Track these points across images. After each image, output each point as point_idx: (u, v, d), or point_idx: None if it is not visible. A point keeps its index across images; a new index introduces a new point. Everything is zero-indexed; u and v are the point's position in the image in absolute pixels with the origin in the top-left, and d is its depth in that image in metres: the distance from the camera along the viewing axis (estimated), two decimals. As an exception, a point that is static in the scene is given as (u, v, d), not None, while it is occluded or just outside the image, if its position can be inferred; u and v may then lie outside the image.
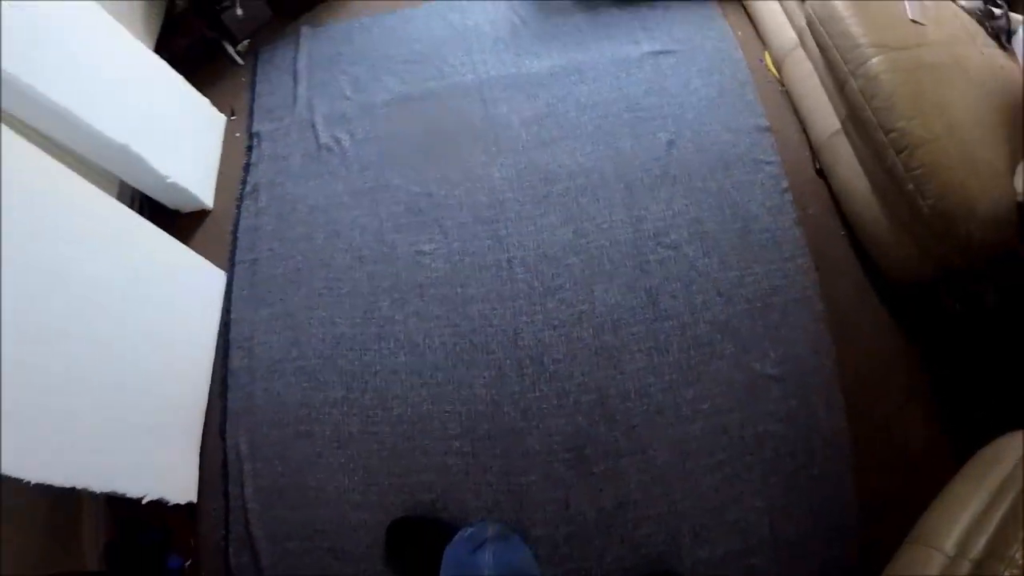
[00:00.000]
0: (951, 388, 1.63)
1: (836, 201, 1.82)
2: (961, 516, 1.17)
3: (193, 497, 1.61)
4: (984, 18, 1.74)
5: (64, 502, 1.58)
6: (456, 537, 1.20)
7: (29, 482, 1.13)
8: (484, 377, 1.66)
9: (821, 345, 1.64)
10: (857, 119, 1.61)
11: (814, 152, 1.89)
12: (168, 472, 1.56)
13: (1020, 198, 1.43)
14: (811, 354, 1.63)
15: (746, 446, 1.55)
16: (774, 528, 1.48)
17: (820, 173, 1.87)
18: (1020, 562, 1.00)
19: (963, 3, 1.75)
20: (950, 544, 1.14)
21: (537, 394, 1.62)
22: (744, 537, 1.47)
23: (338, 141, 2.02)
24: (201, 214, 1.98)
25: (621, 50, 2.12)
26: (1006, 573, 1.00)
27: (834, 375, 1.62)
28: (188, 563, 1.58)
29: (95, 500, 1.65)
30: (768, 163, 1.87)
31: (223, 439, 1.69)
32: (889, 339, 1.69)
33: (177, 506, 1.55)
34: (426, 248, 1.83)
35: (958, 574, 1.08)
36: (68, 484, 1.21)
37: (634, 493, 1.52)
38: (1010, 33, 1.75)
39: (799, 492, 1.51)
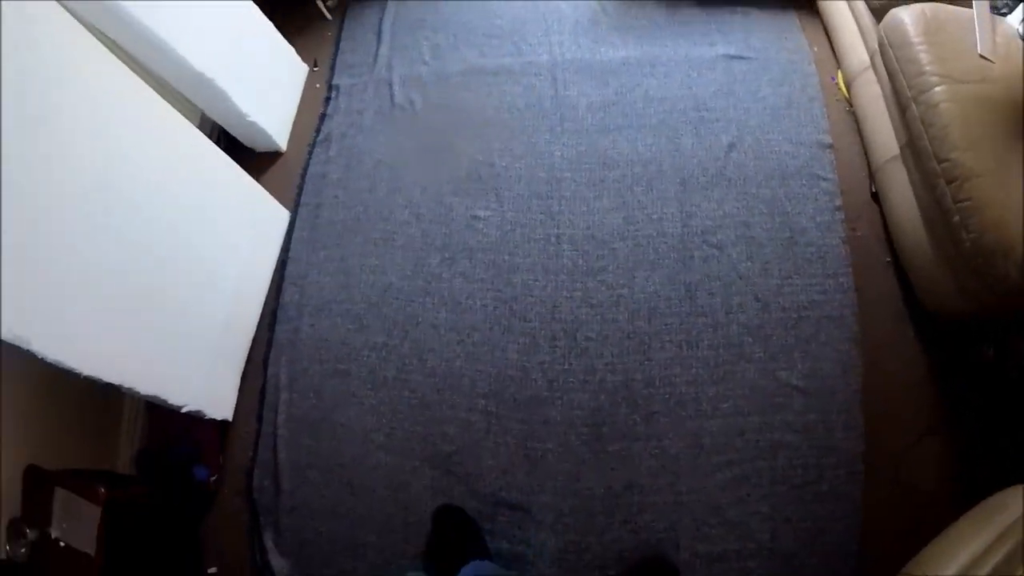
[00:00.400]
0: (970, 431, 1.58)
1: (886, 226, 1.78)
2: (960, 555, 1.15)
3: (229, 415, 1.69)
4: None
5: (106, 405, 1.69)
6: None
7: (80, 374, 1.19)
8: (518, 343, 1.69)
9: (849, 365, 1.62)
10: (914, 146, 1.58)
11: (871, 175, 1.85)
12: (210, 388, 1.63)
13: None
14: (838, 373, 1.61)
15: (760, 451, 1.54)
16: (775, 536, 1.47)
17: (875, 196, 1.83)
18: None
19: None
20: None
21: (566, 367, 1.65)
22: (744, 540, 1.47)
23: (411, 102, 2.07)
24: (273, 155, 2.05)
25: (695, 50, 2.10)
26: None
27: (858, 397, 1.59)
28: (214, 478, 1.66)
29: (135, 408, 1.76)
30: (825, 179, 1.84)
31: (265, 367, 1.76)
32: (917, 371, 1.65)
33: (211, 422, 1.63)
34: (481, 214, 1.86)
35: None
36: (116, 382, 1.29)
37: (643, 478, 1.54)
38: None
39: (805, 505, 1.50)
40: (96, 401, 1.62)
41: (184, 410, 1.50)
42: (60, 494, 1.39)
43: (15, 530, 1.36)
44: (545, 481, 1.54)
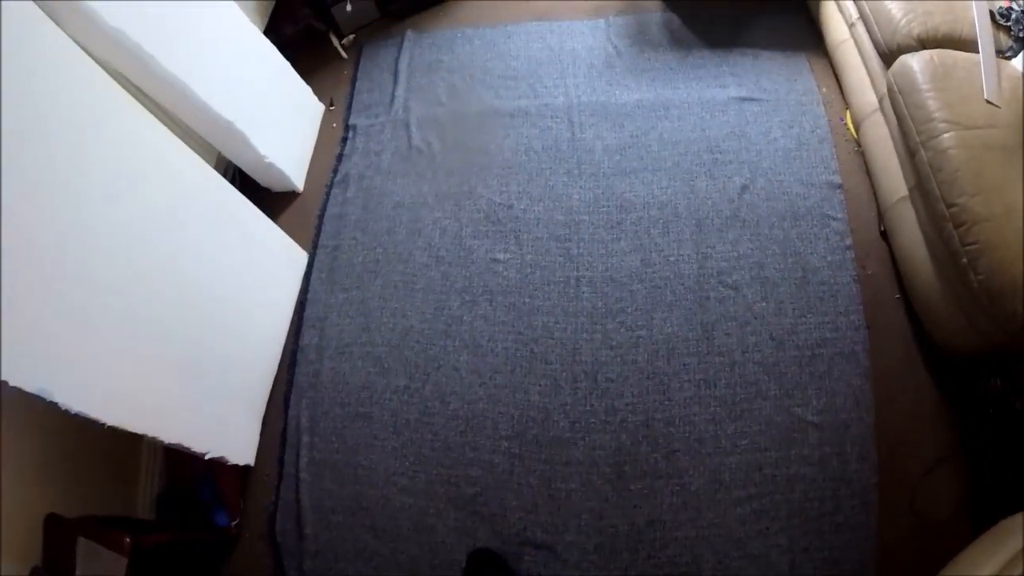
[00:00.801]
0: (981, 460, 1.76)
1: (895, 264, 1.98)
2: None
3: (251, 460, 1.83)
4: None
5: (125, 452, 1.82)
6: None
7: (104, 424, 1.30)
8: (540, 385, 1.86)
9: (862, 400, 1.80)
10: (923, 189, 1.76)
11: (880, 214, 2.05)
12: (231, 433, 1.77)
13: None
14: (852, 407, 1.79)
15: (777, 485, 1.71)
16: (794, 567, 1.63)
17: (884, 235, 2.03)
18: None
19: None
20: None
21: (587, 408, 1.82)
22: (764, 571, 1.64)
23: (429, 144, 2.26)
24: (290, 196, 2.23)
25: (708, 92, 2.32)
26: None
27: (870, 430, 1.77)
28: (235, 522, 1.79)
29: (154, 453, 1.89)
30: (835, 219, 2.05)
31: (286, 410, 1.92)
32: (929, 404, 1.83)
33: (231, 467, 1.76)
34: (500, 256, 2.05)
35: None
36: (140, 431, 1.40)
37: (665, 514, 1.70)
38: None
39: (822, 537, 1.66)
40: (114, 447, 1.74)
41: (207, 456, 1.64)
42: (83, 543, 1.48)
43: (37, 580, 1.44)
44: (569, 520, 1.71)
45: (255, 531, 1.81)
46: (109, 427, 1.32)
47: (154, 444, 1.81)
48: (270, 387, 1.93)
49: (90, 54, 1.35)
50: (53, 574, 1.45)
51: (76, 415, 1.25)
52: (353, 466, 1.82)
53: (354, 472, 1.81)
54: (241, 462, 1.77)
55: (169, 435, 1.49)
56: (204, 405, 1.65)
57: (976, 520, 1.57)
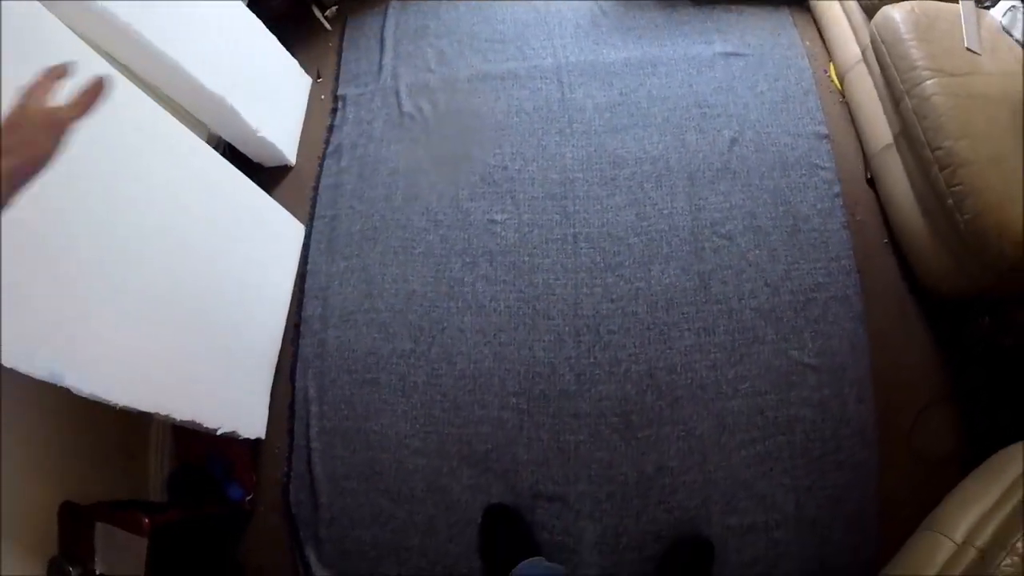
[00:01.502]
0: (976, 396, 1.84)
1: (883, 210, 2.05)
2: (971, 510, 1.37)
3: (262, 433, 1.85)
4: None
5: (133, 431, 1.83)
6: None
7: (116, 405, 1.31)
8: (544, 341, 1.91)
9: (857, 342, 1.87)
10: (908, 135, 1.82)
11: (867, 162, 2.12)
12: (241, 408, 1.79)
13: None
14: (847, 349, 1.86)
15: (779, 427, 1.78)
16: (799, 506, 1.71)
17: (870, 182, 2.10)
18: (1021, 550, 1.17)
19: (1018, 37, 1.92)
20: (959, 533, 1.32)
21: (591, 361, 1.87)
22: (770, 511, 1.70)
23: (420, 110, 2.29)
24: (283, 170, 2.24)
25: (694, 48, 2.37)
26: (1007, 559, 1.16)
27: (867, 371, 1.85)
28: (249, 497, 1.82)
29: (162, 433, 1.90)
30: (823, 168, 2.11)
31: (292, 382, 1.95)
32: (922, 344, 1.91)
33: (242, 442, 1.78)
34: (498, 217, 2.08)
35: (964, 559, 1.25)
36: (152, 410, 1.41)
37: (673, 460, 1.76)
38: None
39: (825, 475, 1.74)
40: (122, 430, 1.75)
41: (219, 432, 1.66)
42: (101, 528, 1.50)
43: (57, 569, 1.46)
44: (580, 471, 1.76)
45: (269, 504, 1.84)
46: (117, 409, 1.33)
47: (163, 425, 1.88)
48: (276, 360, 1.95)
49: (79, 35, 1.35)
50: (73, 562, 1.46)
51: (85, 398, 1.24)
52: (364, 432, 1.85)
53: (365, 438, 1.84)
54: (252, 436, 1.80)
55: (181, 413, 1.51)
56: (212, 381, 1.68)
57: (973, 456, 1.63)
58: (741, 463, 1.76)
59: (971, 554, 1.25)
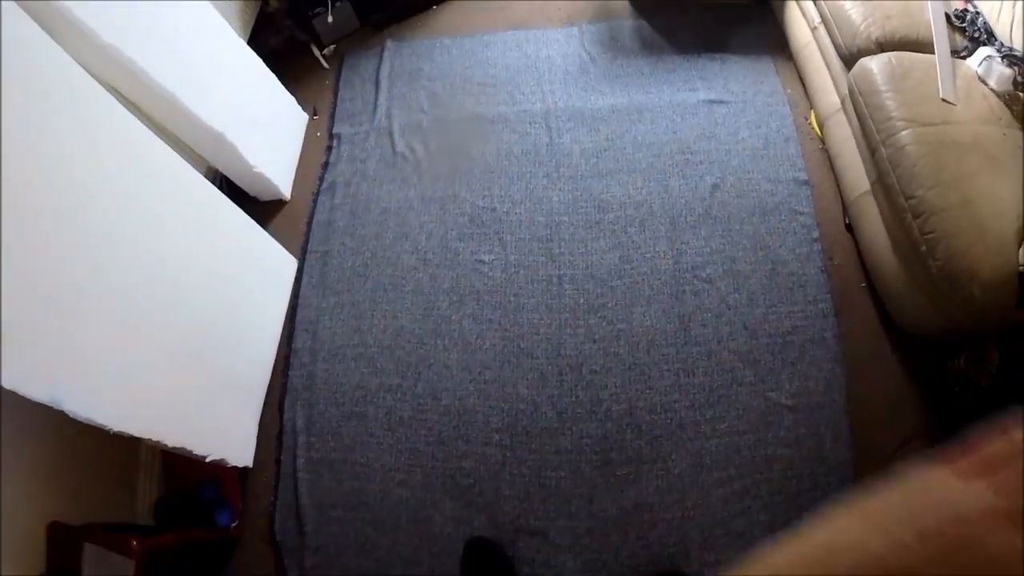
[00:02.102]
0: (950, 435, 1.90)
1: (860, 255, 2.12)
2: None
3: (250, 462, 1.90)
4: (1011, 103, 1.99)
5: (122, 457, 1.86)
6: None
7: (110, 430, 1.35)
8: (527, 379, 1.97)
9: (834, 383, 1.93)
10: (884, 183, 1.89)
11: (845, 208, 2.20)
12: (230, 436, 1.84)
13: (1021, 268, 1.68)
14: (824, 390, 1.92)
15: (756, 466, 1.83)
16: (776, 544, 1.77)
17: (848, 228, 2.18)
18: None
19: (993, 86, 2.00)
20: None
21: (573, 399, 1.93)
22: (748, 547, 1.71)
23: (413, 151, 2.37)
24: (278, 204, 2.31)
25: (679, 95, 2.46)
26: None
27: (843, 411, 1.90)
28: (235, 523, 1.86)
29: (151, 458, 1.93)
30: (802, 214, 2.19)
31: (281, 412, 2.00)
32: (898, 385, 1.97)
33: (230, 468, 1.82)
34: (485, 258, 2.16)
35: None
36: (145, 435, 1.45)
37: (652, 497, 1.81)
38: None
39: (801, 513, 1.71)
40: (112, 453, 1.78)
41: (209, 459, 1.70)
42: (90, 549, 1.53)
43: (44, 588, 1.48)
44: (561, 506, 1.81)
45: (255, 532, 1.88)
46: (109, 433, 1.36)
47: (152, 449, 1.91)
48: (265, 390, 2.01)
49: (86, 69, 1.40)
50: None
51: (76, 422, 1.27)
52: (351, 463, 1.90)
53: (352, 469, 1.89)
54: (240, 463, 1.84)
55: (172, 439, 1.55)
56: (203, 409, 1.73)
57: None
58: (719, 501, 1.80)
59: None
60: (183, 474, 1.93)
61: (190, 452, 1.63)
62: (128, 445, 1.60)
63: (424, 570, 1.78)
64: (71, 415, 1.26)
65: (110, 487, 1.83)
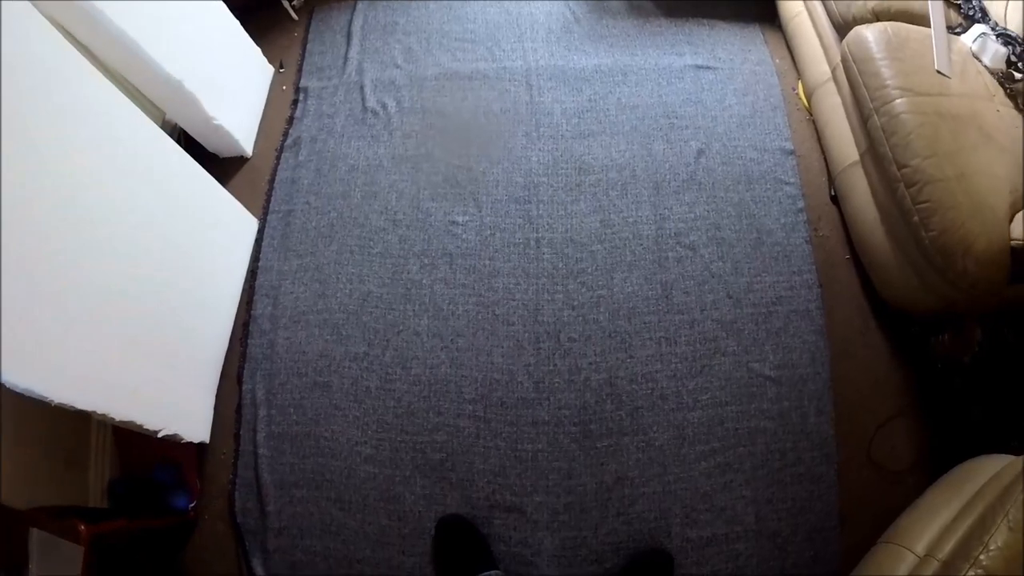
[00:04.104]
0: (933, 411, 1.92)
1: (846, 226, 2.12)
2: (933, 521, 1.42)
3: (206, 437, 1.80)
4: (1005, 80, 2.02)
5: (72, 436, 1.75)
6: None
7: (51, 402, 1.25)
8: (502, 347, 1.91)
9: (817, 355, 1.93)
10: (875, 152, 1.89)
11: (831, 179, 2.20)
12: (184, 410, 1.74)
13: (1015, 243, 1.71)
14: (808, 362, 1.92)
15: (739, 439, 1.82)
16: (759, 519, 1.74)
17: (834, 199, 2.18)
18: (984, 562, 1.18)
19: (987, 63, 2.03)
20: (921, 545, 1.37)
21: (551, 368, 1.88)
22: (730, 523, 1.74)
23: (384, 107, 2.29)
24: (239, 161, 2.22)
25: (665, 59, 2.43)
26: (970, 572, 1.17)
27: (827, 384, 1.90)
28: (193, 504, 1.77)
29: (102, 437, 1.82)
30: (788, 183, 2.18)
31: (239, 383, 1.91)
32: (882, 358, 1.98)
33: (186, 446, 1.73)
34: (459, 219, 2.09)
35: (926, 572, 1.28)
36: (89, 408, 1.35)
37: (632, 471, 1.78)
38: None
39: (784, 487, 1.78)
40: (60, 431, 1.69)
41: (160, 435, 1.60)
42: (36, 535, 1.43)
43: (-12, 575, 1.40)
44: (538, 481, 1.77)
45: (215, 512, 1.79)
46: (53, 407, 1.27)
47: (103, 429, 1.81)
48: (223, 360, 1.91)
49: (36, 6, 1.29)
50: (5, 569, 1.40)
51: (19, 398, 1.18)
52: (314, 438, 1.82)
53: (316, 444, 1.81)
54: (196, 439, 1.75)
55: (119, 412, 1.45)
56: (154, 380, 1.62)
57: (932, 470, 1.70)
58: (701, 474, 1.78)
59: (933, 566, 1.27)
60: (138, 454, 1.83)
61: (140, 427, 1.53)
62: (77, 422, 1.52)
63: (394, 551, 1.72)
64: (7, 386, 1.15)
65: (58, 468, 1.72)
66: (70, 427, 1.69)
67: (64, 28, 1.53)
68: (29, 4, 1.27)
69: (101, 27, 1.59)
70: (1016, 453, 1.51)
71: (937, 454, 1.84)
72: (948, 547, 1.29)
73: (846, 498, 1.80)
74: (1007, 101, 2.01)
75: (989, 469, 1.48)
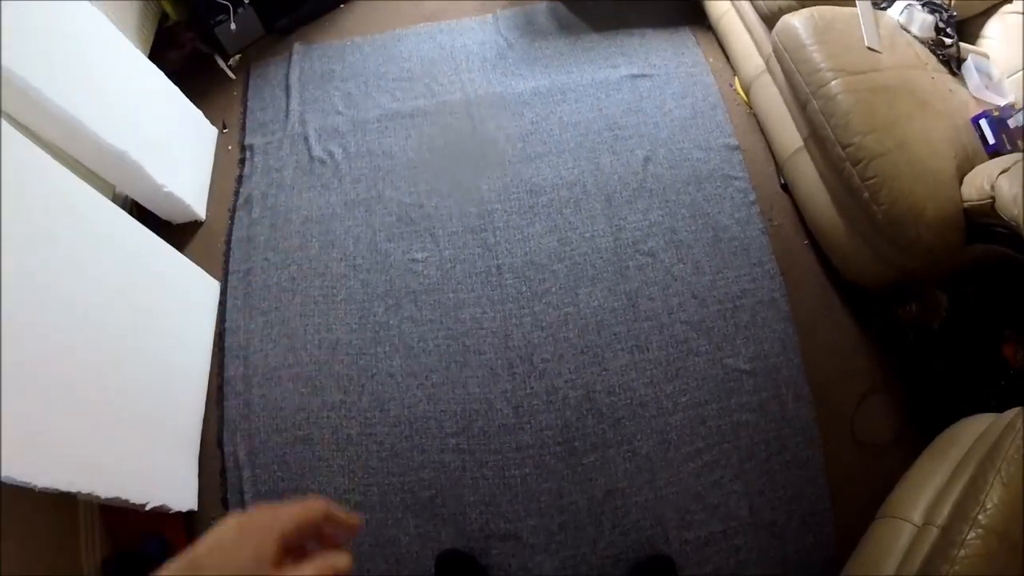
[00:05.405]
0: (909, 382, 1.97)
1: (799, 213, 2.19)
2: (926, 490, 1.45)
3: (194, 505, 1.80)
4: (935, 47, 2.12)
5: (60, 515, 1.73)
6: None
7: (35, 487, 1.25)
8: (477, 377, 1.95)
9: (788, 342, 1.99)
10: (817, 136, 1.96)
11: (779, 168, 2.28)
12: (169, 480, 1.75)
13: (967, 204, 1.77)
14: (779, 350, 1.98)
15: (723, 435, 1.86)
16: (753, 511, 1.78)
17: (784, 188, 2.25)
18: (983, 522, 1.21)
19: (916, 33, 2.12)
20: (917, 515, 1.40)
21: (528, 391, 1.92)
22: (725, 520, 1.77)
23: (331, 154, 2.34)
24: (193, 225, 2.24)
25: (601, 73, 2.51)
26: (971, 533, 1.19)
27: (801, 369, 1.96)
28: None
29: (91, 514, 1.80)
30: (736, 178, 2.26)
31: (221, 447, 1.91)
32: (851, 337, 2.05)
33: (175, 515, 1.73)
34: (418, 256, 2.13)
35: (927, 540, 1.30)
36: (73, 489, 1.36)
37: (621, 481, 1.81)
38: (960, 61, 2.12)
39: (774, 477, 1.82)
40: (49, 513, 1.67)
41: (148, 507, 1.61)
42: None
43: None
44: (529, 505, 1.79)
45: (208, 580, 1.78)
46: (39, 494, 1.27)
47: (90, 508, 1.79)
48: (201, 425, 1.92)
49: None
50: None
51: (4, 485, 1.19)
52: (301, 491, 1.83)
53: (303, 498, 1.81)
54: (184, 508, 1.75)
55: (104, 490, 1.45)
56: (135, 453, 1.63)
57: (915, 440, 1.74)
58: (690, 476, 1.82)
59: (933, 534, 1.30)
60: (127, 529, 1.81)
61: (127, 502, 1.54)
62: (63, 506, 1.51)
63: (395, 595, 1.73)
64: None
65: (49, 553, 1.69)
66: (56, 510, 1.67)
67: (4, 111, 1.55)
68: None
69: (36, 104, 1.60)
70: (997, 411, 1.55)
71: (918, 424, 1.88)
72: (945, 512, 1.32)
73: (835, 479, 1.84)
74: (940, 67, 2.11)
75: (974, 430, 1.53)
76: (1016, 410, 1.42)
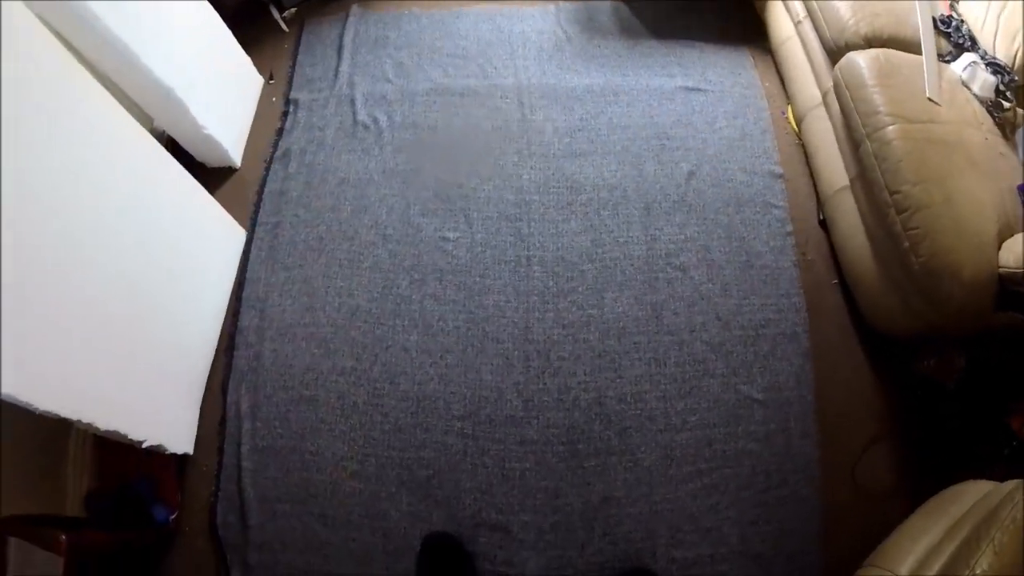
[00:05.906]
0: (918, 435, 1.98)
1: (834, 251, 2.19)
2: (917, 546, 1.45)
3: (190, 449, 1.81)
4: (993, 109, 2.11)
5: (49, 445, 1.75)
6: None
7: (36, 410, 1.25)
8: (491, 365, 1.95)
9: (803, 378, 1.99)
10: (866, 178, 1.96)
11: (820, 204, 2.27)
12: (169, 421, 1.75)
13: (1002, 270, 1.77)
14: (794, 385, 1.98)
15: (726, 460, 1.87)
16: (743, 540, 1.79)
17: (822, 224, 2.25)
18: None
19: (976, 92, 2.12)
20: (905, 568, 1.40)
21: (540, 387, 1.93)
22: (715, 545, 1.78)
23: (376, 121, 2.34)
24: (227, 171, 2.25)
25: (656, 80, 2.51)
26: None
27: (812, 407, 1.96)
28: (174, 516, 1.76)
29: (81, 445, 1.81)
30: (776, 207, 2.25)
31: (224, 396, 1.92)
32: (866, 382, 2.05)
33: (168, 457, 1.74)
34: (450, 235, 2.14)
35: None
36: (74, 417, 1.36)
37: (619, 490, 1.82)
38: (1015, 127, 2.13)
39: (769, 509, 1.83)
40: (36, 439, 1.68)
41: (145, 445, 1.61)
42: (15, 544, 1.43)
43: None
44: (524, 500, 1.80)
45: (195, 526, 1.79)
46: (33, 417, 1.27)
47: (82, 437, 1.81)
48: (208, 371, 1.93)
49: (38, 16, 1.32)
50: None
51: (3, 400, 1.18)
52: (299, 452, 1.84)
53: (300, 458, 1.83)
54: (179, 451, 1.75)
55: (104, 421, 1.45)
56: (139, 391, 1.63)
57: (915, 493, 1.75)
58: (688, 495, 1.83)
59: None
60: (116, 465, 1.81)
61: (125, 437, 1.54)
62: (55, 432, 1.51)
63: (378, 568, 1.73)
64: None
65: (33, 476, 1.71)
66: (47, 436, 1.68)
67: (55, 29, 1.52)
68: (22, 4, 1.28)
69: (94, 30, 1.61)
70: (1000, 479, 1.56)
71: (919, 479, 1.89)
72: (933, 571, 1.32)
73: (828, 519, 1.85)
74: (995, 129, 2.11)
75: (976, 492, 1.53)
76: (1016, 482, 1.43)
